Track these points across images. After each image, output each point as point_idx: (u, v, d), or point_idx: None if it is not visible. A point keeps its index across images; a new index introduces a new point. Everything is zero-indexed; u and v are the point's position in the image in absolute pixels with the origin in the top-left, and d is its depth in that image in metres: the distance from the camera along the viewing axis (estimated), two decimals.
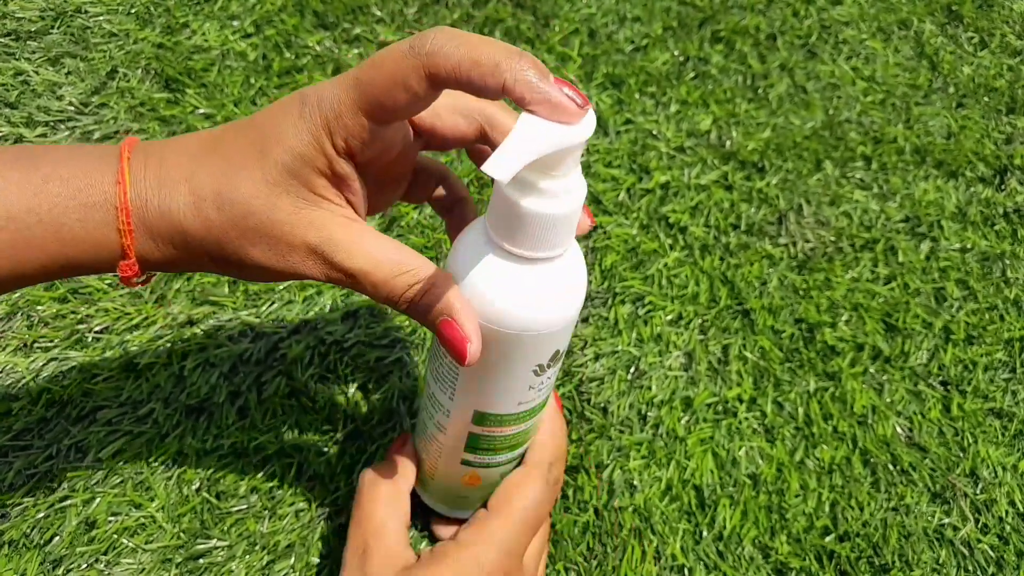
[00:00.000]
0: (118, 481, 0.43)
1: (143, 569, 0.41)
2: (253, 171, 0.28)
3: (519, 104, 0.26)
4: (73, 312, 0.48)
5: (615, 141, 0.60)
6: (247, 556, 0.42)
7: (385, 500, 0.37)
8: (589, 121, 0.26)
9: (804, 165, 0.61)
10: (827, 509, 0.47)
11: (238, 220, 0.28)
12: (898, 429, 0.50)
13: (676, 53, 0.65)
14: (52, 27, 0.59)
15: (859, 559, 0.46)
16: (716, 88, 0.64)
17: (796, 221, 0.58)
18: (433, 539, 0.43)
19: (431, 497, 0.42)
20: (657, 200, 0.57)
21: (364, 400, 0.47)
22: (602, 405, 0.49)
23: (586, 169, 0.58)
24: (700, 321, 0.53)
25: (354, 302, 0.50)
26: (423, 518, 0.43)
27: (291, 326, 0.49)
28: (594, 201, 0.57)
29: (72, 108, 0.55)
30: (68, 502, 0.43)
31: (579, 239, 0.43)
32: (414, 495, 0.40)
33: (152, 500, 0.43)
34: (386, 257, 0.28)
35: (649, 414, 0.49)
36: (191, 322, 0.48)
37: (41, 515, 0.42)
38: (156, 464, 0.44)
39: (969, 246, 0.58)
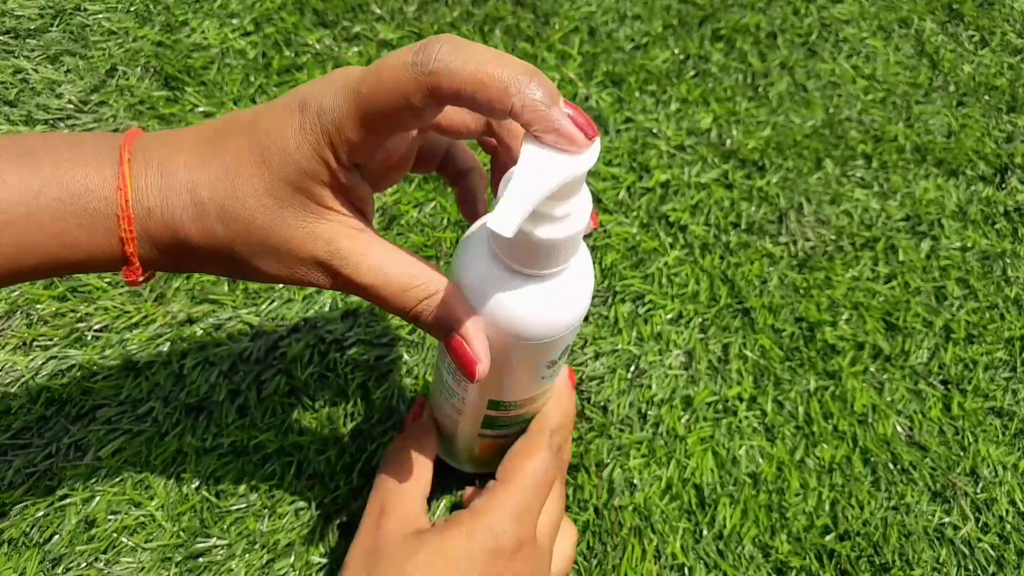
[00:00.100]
0: (118, 480, 0.43)
1: (143, 568, 0.41)
2: (257, 185, 0.27)
3: (525, 128, 0.25)
4: (72, 310, 0.48)
5: (615, 139, 0.60)
6: (247, 555, 0.42)
7: (407, 467, 0.38)
8: (594, 149, 0.26)
9: (804, 164, 0.60)
10: (827, 508, 0.47)
11: (243, 234, 0.28)
12: (898, 428, 0.50)
13: (676, 51, 0.65)
14: (51, 25, 0.59)
15: (859, 558, 0.46)
16: (716, 86, 0.64)
17: (796, 220, 0.58)
18: (455, 483, 0.42)
19: (453, 458, 0.42)
20: (657, 199, 0.57)
21: (364, 399, 0.47)
22: (602, 404, 0.49)
23: None
24: (700, 320, 0.53)
25: (354, 301, 0.50)
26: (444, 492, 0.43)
27: (291, 324, 0.49)
28: (594, 200, 0.57)
29: (71, 106, 0.55)
30: (67, 501, 0.43)
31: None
32: (438, 463, 0.40)
33: (152, 499, 0.43)
34: (395, 271, 0.28)
35: (649, 413, 0.49)
36: (191, 320, 0.48)
37: (40, 514, 0.42)
38: (156, 463, 0.44)
39: (970, 245, 0.58)
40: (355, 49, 0.61)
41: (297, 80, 0.58)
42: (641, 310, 0.53)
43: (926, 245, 0.58)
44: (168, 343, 0.47)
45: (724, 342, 0.52)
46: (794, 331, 0.53)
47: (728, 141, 0.61)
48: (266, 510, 0.44)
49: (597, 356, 0.51)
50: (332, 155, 0.27)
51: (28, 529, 0.42)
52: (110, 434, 0.45)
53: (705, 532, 0.45)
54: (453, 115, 0.31)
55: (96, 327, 0.47)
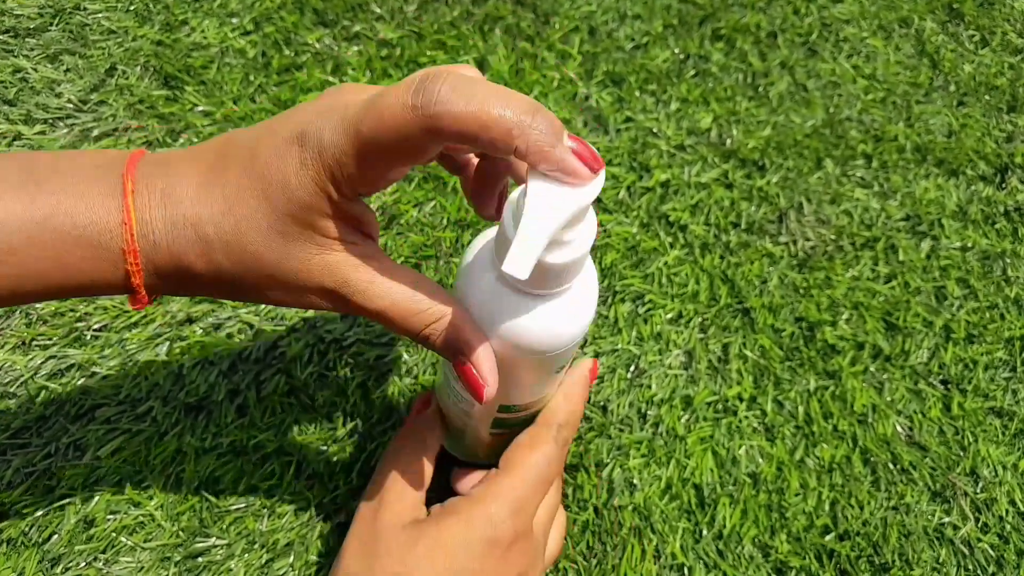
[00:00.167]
0: (117, 479, 0.43)
1: (142, 567, 0.41)
2: (260, 221, 0.27)
3: (530, 166, 0.25)
4: (72, 310, 0.48)
5: (615, 139, 0.59)
6: (246, 554, 0.42)
7: (408, 460, 0.38)
8: (599, 179, 0.26)
9: (804, 163, 0.60)
10: (827, 508, 0.47)
11: (250, 269, 0.28)
12: (898, 428, 0.50)
13: (676, 51, 0.65)
14: (51, 24, 0.59)
15: (859, 558, 0.45)
16: (716, 86, 0.63)
17: (796, 219, 0.58)
18: (451, 492, 0.42)
19: (462, 453, 0.42)
20: (657, 198, 0.57)
21: (363, 398, 0.47)
22: (602, 403, 0.49)
23: None
24: (700, 320, 0.53)
25: None
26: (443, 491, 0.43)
27: (290, 324, 0.49)
28: (594, 201, 0.57)
29: (71, 105, 0.55)
30: (67, 500, 0.43)
31: None
32: (441, 456, 0.40)
33: (151, 498, 0.43)
34: (403, 297, 0.28)
35: (649, 412, 0.49)
36: (190, 320, 0.48)
37: (39, 513, 0.42)
38: (155, 462, 0.44)
39: (970, 244, 0.58)
40: (355, 48, 0.61)
41: (296, 79, 0.58)
42: (641, 310, 0.53)
43: (926, 245, 0.58)
44: (167, 343, 0.47)
45: (724, 342, 0.52)
46: (794, 331, 0.53)
47: (728, 141, 0.61)
48: (265, 510, 0.44)
49: (597, 356, 0.51)
50: (333, 188, 0.27)
51: (27, 529, 0.42)
52: (109, 434, 0.45)
53: (705, 532, 0.45)
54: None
55: (95, 327, 0.47)
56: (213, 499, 0.43)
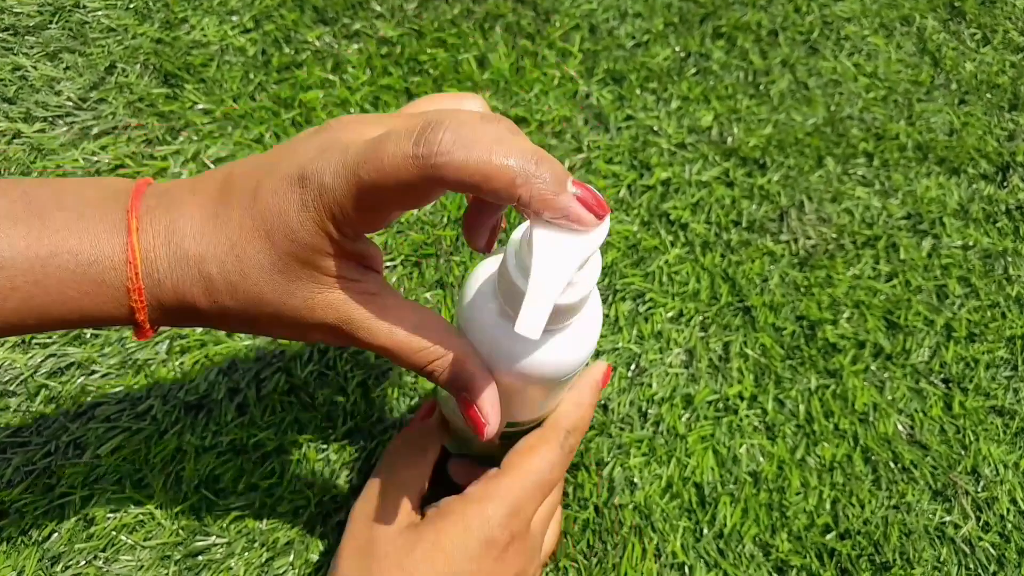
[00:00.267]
0: (117, 478, 0.43)
1: (142, 566, 0.41)
2: (263, 261, 0.27)
3: (535, 214, 0.25)
4: None
5: (616, 137, 0.59)
6: (246, 553, 0.42)
7: (406, 464, 0.38)
8: (604, 226, 0.26)
9: (806, 162, 0.60)
10: (828, 507, 0.47)
11: (253, 307, 0.28)
12: (899, 427, 0.50)
13: (677, 49, 0.65)
14: (50, 22, 0.58)
15: (860, 557, 0.45)
16: (717, 84, 0.63)
17: (797, 218, 0.58)
18: (451, 481, 0.42)
19: (460, 450, 0.42)
20: (658, 197, 0.57)
21: (363, 398, 0.47)
22: (602, 402, 0.49)
23: (587, 166, 0.58)
24: (701, 318, 0.53)
25: None
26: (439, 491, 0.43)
27: None
28: None
29: (70, 103, 0.55)
30: (66, 499, 0.43)
31: None
32: (441, 458, 0.40)
33: (151, 497, 0.43)
34: (405, 334, 0.29)
35: (650, 411, 0.49)
36: None
37: (39, 512, 0.42)
38: (155, 461, 0.44)
39: (971, 243, 0.58)
40: (355, 46, 0.61)
41: (297, 77, 0.58)
42: (642, 308, 0.52)
43: (927, 243, 0.58)
44: (167, 341, 0.47)
45: (725, 340, 0.52)
46: (795, 329, 0.53)
47: (729, 139, 0.61)
48: (265, 508, 0.43)
49: (597, 354, 0.50)
50: (334, 228, 0.27)
51: (27, 527, 0.42)
52: (109, 432, 0.44)
53: (705, 531, 0.45)
54: None
55: None
56: (213, 497, 0.43)
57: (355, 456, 0.45)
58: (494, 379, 0.30)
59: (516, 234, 0.28)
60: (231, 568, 0.42)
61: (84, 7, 0.59)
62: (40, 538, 0.42)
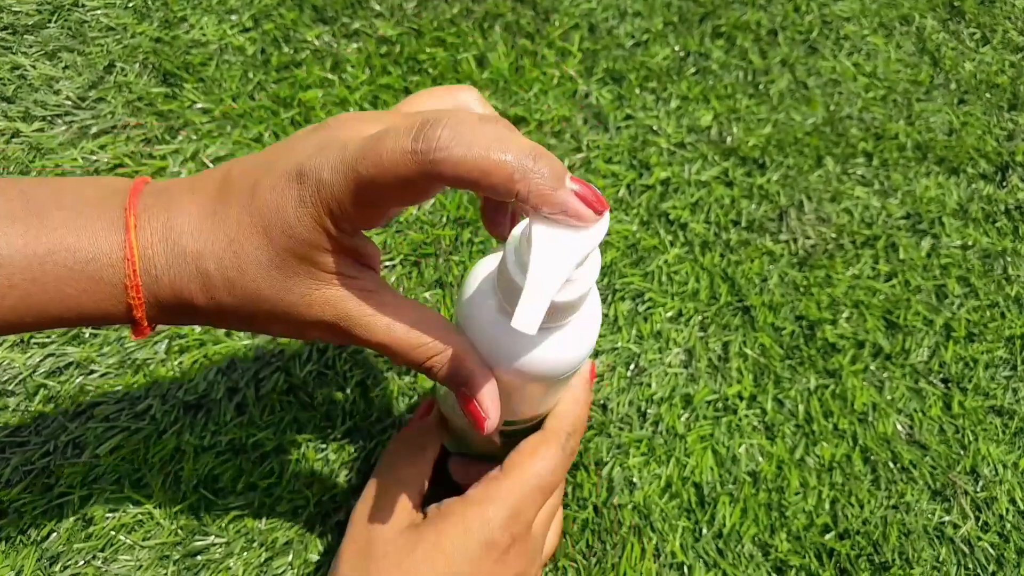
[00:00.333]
0: (115, 477, 0.43)
1: (140, 566, 0.41)
2: (260, 257, 0.27)
3: (533, 209, 0.25)
4: None
5: (615, 137, 0.59)
6: (245, 553, 0.42)
7: (406, 464, 0.38)
8: (603, 222, 0.26)
9: (805, 161, 0.60)
10: (827, 507, 0.47)
11: (250, 304, 0.28)
12: (898, 427, 0.50)
13: (677, 48, 0.65)
14: (49, 21, 0.58)
15: (859, 557, 0.45)
16: (717, 84, 0.63)
17: (797, 218, 0.58)
18: (451, 481, 0.42)
19: (459, 449, 0.42)
20: (657, 196, 0.57)
21: (362, 397, 0.47)
22: (601, 402, 0.49)
23: (586, 165, 0.58)
24: (700, 318, 0.52)
25: None
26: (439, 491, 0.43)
27: None
28: None
29: (69, 102, 0.55)
30: (65, 498, 0.43)
31: None
32: (437, 462, 0.40)
33: (149, 497, 0.43)
34: (403, 330, 0.29)
35: (649, 411, 0.49)
36: None
37: (38, 511, 0.42)
38: (154, 460, 0.44)
39: (970, 243, 0.58)
40: (354, 45, 0.61)
41: (296, 77, 0.58)
42: (641, 308, 0.52)
43: (927, 243, 0.58)
44: (166, 340, 0.47)
45: (724, 340, 0.52)
46: (794, 329, 0.53)
47: (728, 139, 0.61)
48: (264, 508, 0.43)
49: (596, 354, 0.50)
50: (332, 225, 0.27)
51: (26, 527, 0.42)
52: (108, 432, 0.44)
53: (705, 531, 0.45)
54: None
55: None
56: (212, 497, 0.43)
57: (354, 456, 0.45)
58: (493, 376, 0.30)
59: (516, 231, 0.28)
60: (230, 568, 0.42)
61: (83, 6, 0.59)
62: (39, 538, 0.42)
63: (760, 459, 0.48)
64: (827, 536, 0.46)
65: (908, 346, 0.53)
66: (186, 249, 0.27)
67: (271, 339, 0.48)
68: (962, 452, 0.50)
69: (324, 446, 0.45)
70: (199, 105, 0.56)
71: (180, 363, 0.46)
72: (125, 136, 0.54)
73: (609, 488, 0.46)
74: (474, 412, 0.30)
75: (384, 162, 0.25)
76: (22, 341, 0.46)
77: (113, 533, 0.42)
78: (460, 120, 0.25)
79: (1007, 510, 0.48)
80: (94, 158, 0.53)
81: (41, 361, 0.46)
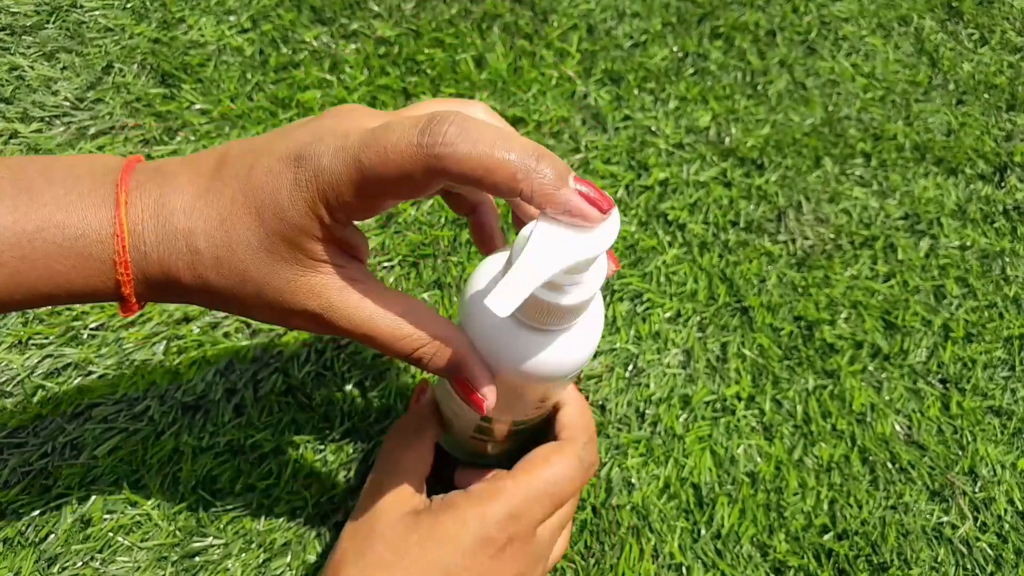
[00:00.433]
0: (114, 479, 0.43)
1: (139, 567, 0.41)
2: (251, 238, 0.27)
3: (538, 208, 0.25)
4: (68, 309, 0.48)
5: (613, 137, 0.59)
6: (243, 554, 0.42)
7: (408, 447, 0.38)
8: (610, 228, 0.25)
9: (803, 162, 0.60)
10: (826, 507, 0.47)
11: (236, 285, 0.28)
12: (897, 427, 0.50)
13: (675, 49, 0.65)
14: (47, 22, 0.58)
15: (857, 557, 0.45)
16: (715, 84, 0.63)
17: (795, 218, 0.58)
18: (451, 487, 0.42)
19: (459, 453, 0.42)
20: (656, 197, 0.57)
21: (361, 398, 0.47)
22: (600, 403, 0.49)
23: (585, 166, 0.58)
24: (699, 318, 0.53)
25: None
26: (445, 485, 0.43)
27: None
28: None
29: (67, 103, 0.55)
30: (63, 500, 0.42)
31: None
32: (439, 451, 0.40)
33: (148, 498, 0.43)
34: (387, 321, 0.28)
35: (647, 412, 0.49)
36: (187, 319, 0.48)
37: (36, 513, 0.42)
38: (152, 461, 0.44)
39: (969, 243, 0.58)
40: (353, 46, 0.61)
41: (294, 77, 0.58)
42: (639, 309, 0.52)
43: (925, 244, 0.58)
44: (164, 341, 0.47)
45: (722, 341, 0.52)
46: (793, 330, 0.53)
47: (727, 139, 0.61)
48: (262, 509, 0.43)
49: (595, 355, 0.50)
50: (326, 212, 0.27)
51: (24, 528, 0.42)
52: (106, 433, 0.44)
53: (703, 531, 0.45)
54: (465, 189, 0.32)
55: (92, 325, 0.47)
56: (210, 498, 0.43)
57: (352, 456, 0.45)
58: (495, 377, 0.30)
59: (524, 231, 0.28)
60: (228, 569, 0.42)
61: (81, 7, 0.59)
62: (37, 539, 0.41)
63: (758, 460, 0.48)
64: (825, 537, 0.46)
65: (906, 346, 0.53)
66: (177, 227, 0.27)
67: (270, 339, 0.48)
68: (960, 452, 0.50)
69: (322, 447, 0.45)
70: (197, 106, 0.56)
71: (178, 364, 0.46)
72: (123, 137, 0.54)
73: (608, 489, 0.46)
74: (469, 394, 0.29)
75: (388, 153, 0.25)
76: (20, 342, 0.46)
77: (111, 534, 0.42)
78: (466, 118, 0.25)
79: (1005, 511, 0.48)
80: None
81: (39, 362, 0.46)
